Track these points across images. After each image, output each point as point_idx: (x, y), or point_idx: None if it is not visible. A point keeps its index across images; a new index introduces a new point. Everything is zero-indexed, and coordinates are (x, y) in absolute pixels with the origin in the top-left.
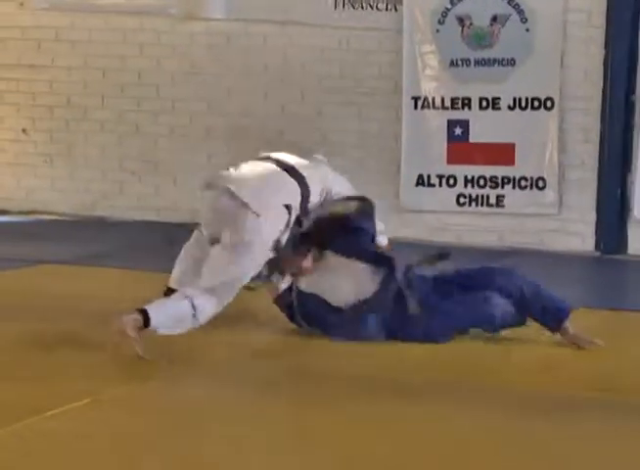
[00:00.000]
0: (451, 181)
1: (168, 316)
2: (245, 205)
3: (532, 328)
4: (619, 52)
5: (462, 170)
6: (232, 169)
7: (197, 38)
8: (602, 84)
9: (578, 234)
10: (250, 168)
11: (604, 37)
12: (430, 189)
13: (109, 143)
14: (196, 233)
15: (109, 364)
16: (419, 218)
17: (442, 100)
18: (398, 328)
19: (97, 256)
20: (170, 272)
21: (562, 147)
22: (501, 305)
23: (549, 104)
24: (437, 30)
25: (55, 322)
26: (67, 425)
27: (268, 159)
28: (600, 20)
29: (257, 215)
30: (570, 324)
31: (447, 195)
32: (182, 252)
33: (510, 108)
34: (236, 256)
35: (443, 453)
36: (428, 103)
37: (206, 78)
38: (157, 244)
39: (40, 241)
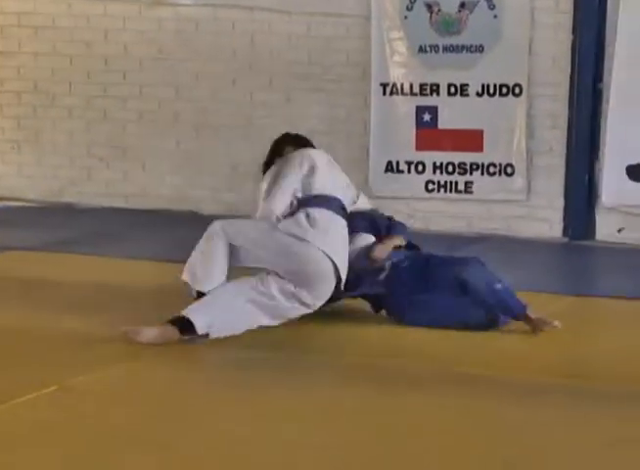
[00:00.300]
0: (420, 168)
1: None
2: None
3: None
4: (587, 38)
5: (431, 157)
6: None
7: (165, 24)
8: (570, 71)
9: (546, 220)
10: None
11: (572, 23)
12: (398, 175)
13: (76, 129)
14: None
15: (75, 351)
16: (388, 205)
17: (411, 86)
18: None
19: (64, 242)
20: (134, 258)
21: (530, 133)
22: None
23: (517, 90)
24: (406, 17)
25: (22, 309)
26: (33, 413)
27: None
28: (567, 6)
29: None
30: (530, 311)
31: (416, 181)
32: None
33: (478, 94)
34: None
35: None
36: (396, 89)
37: (175, 64)
38: (124, 230)
39: (7, 227)
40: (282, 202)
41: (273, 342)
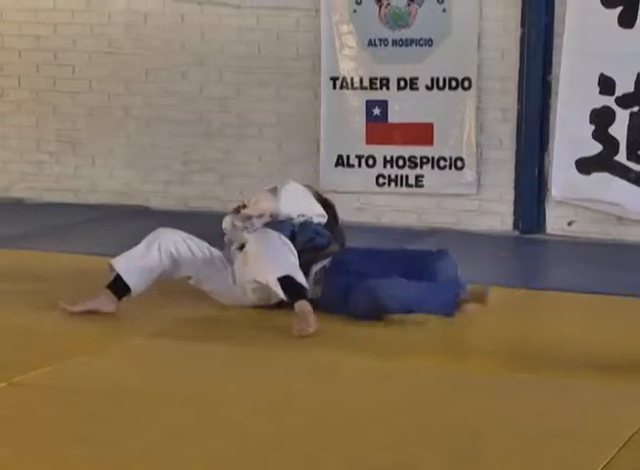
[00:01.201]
0: (370, 161)
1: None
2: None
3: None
4: (535, 31)
5: (381, 151)
6: None
7: (114, 18)
8: (519, 64)
9: (497, 214)
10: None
11: (520, 16)
12: (349, 170)
13: (26, 124)
14: None
15: (25, 348)
16: (339, 199)
17: (361, 80)
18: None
19: (13, 237)
20: (83, 253)
21: (480, 127)
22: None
23: (467, 84)
24: (355, 10)
25: None
26: None
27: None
28: None
29: None
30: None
31: (367, 175)
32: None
33: (428, 88)
34: None
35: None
36: (346, 83)
37: (124, 58)
38: (74, 225)
39: None
40: None
41: (227, 335)
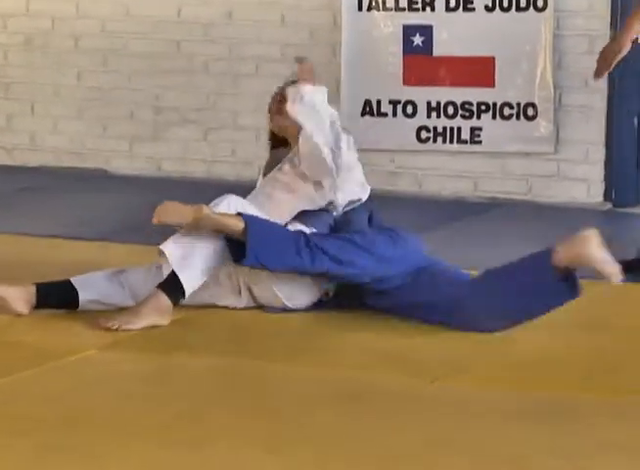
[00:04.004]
0: (409, 109)
1: None
2: None
3: None
4: None
5: (424, 94)
6: None
7: None
8: None
9: (582, 180)
10: None
11: None
12: (380, 120)
13: None
14: None
15: None
16: (366, 160)
17: None
18: None
19: None
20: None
21: (558, 61)
22: None
23: (540, 3)
24: None
25: None
26: None
27: None
28: None
29: None
30: None
31: (404, 128)
32: None
33: (488, 8)
34: None
35: None
36: (376, 2)
37: None
38: (8, 197)
39: None
40: None
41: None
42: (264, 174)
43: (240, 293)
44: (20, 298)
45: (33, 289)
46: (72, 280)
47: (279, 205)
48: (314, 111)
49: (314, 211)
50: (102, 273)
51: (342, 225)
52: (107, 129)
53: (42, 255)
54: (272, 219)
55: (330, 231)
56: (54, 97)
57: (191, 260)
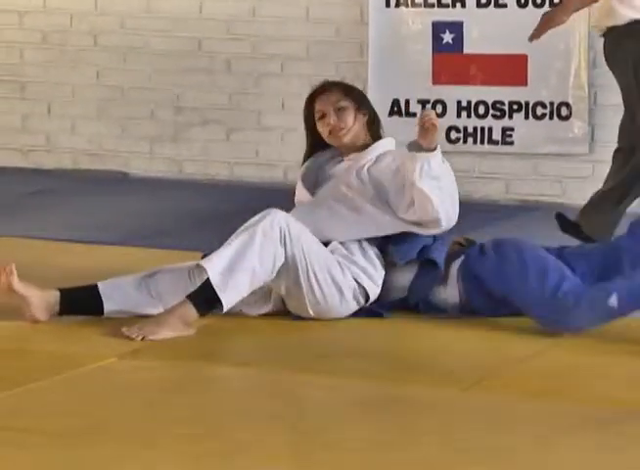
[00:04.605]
0: (439, 108)
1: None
2: None
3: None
4: None
5: (454, 93)
6: None
7: None
8: None
9: None
10: None
11: None
12: (409, 120)
13: None
14: None
15: None
16: None
17: None
18: None
19: None
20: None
21: (594, 59)
22: None
23: None
24: None
25: None
26: None
27: None
28: None
29: None
30: None
31: None
32: None
33: (520, 4)
34: None
35: None
36: None
37: None
38: (23, 199)
39: None
40: None
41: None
42: (304, 181)
43: (270, 298)
44: (40, 304)
45: (57, 295)
46: (100, 287)
47: (344, 222)
48: (439, 182)
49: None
50: (131, 279)
51: None
52: (126, 130)
53: (57, 259)
54: (331, 235)
55: None
56: (71, 97)
57: (233, 279)
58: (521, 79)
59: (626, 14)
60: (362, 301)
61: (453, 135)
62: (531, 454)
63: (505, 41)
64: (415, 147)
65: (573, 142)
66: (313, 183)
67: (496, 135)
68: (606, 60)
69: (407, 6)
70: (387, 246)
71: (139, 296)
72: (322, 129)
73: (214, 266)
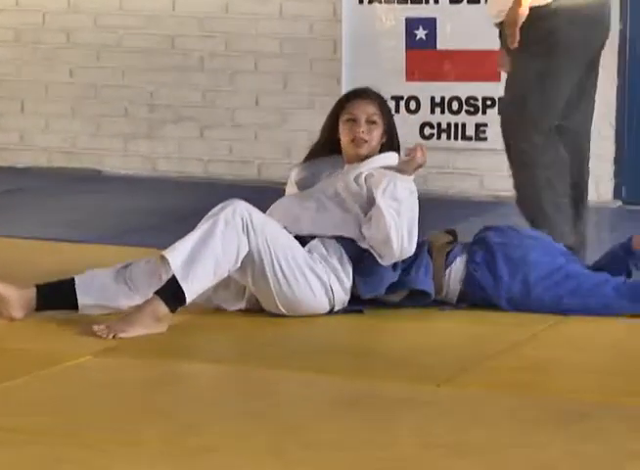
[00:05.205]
0: (412, 105)
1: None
2: None
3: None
4: None
5: (427, 89)
6: None
7: None
8: None
9: (591, 176)
10: None
11: None
12: None
13: None
14: None
15: None
16: None
17: None
18: None
19: None
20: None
21: None
22: None
23: None
24: None
25: None
26: None
27: None
28: None
29: None
30: None
31: (407, 124)
32: None
33: None
34: None
35: None
36: None
37: None
38: None
39: None
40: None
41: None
42: (299, 186)
43: (244, 295)
44: (16, 302)
45: (33, 292)
46: (76, 280)
47: (330, 217)
48: (400, 205)
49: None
50: (109, 272)
51: None
52: (100, 128)
53: (31, 258)
54: (314, 228)
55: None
56: (45, 94)
57: (195, 268)
58: (494, 75)
59: None
60: (333, 302)
61: (427, 131)
62: (507, 449)
63: (478, 37)
64: (395, 169)
65: None
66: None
67: (470, 131)
68: None
69: (380, 2)
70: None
71: (116, 287)
72: (345, 132)
73: (176, 256)
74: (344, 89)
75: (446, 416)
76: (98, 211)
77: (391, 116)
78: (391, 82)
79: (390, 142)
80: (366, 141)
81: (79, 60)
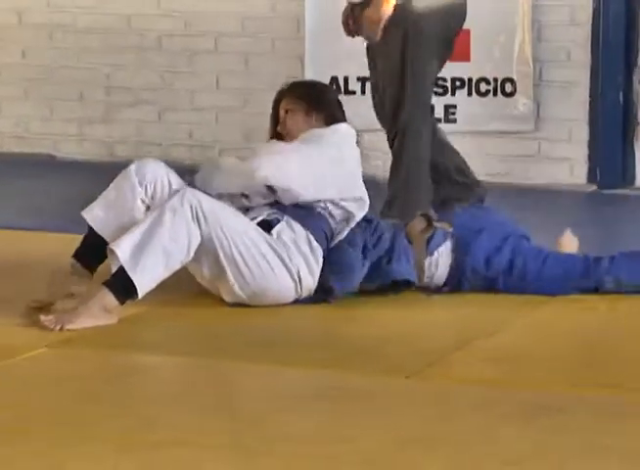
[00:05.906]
0: None
1: None
2: None
3: None
4: None
5: None
6: None
7: None
8: None
9: (564, 159)
10: None
11: None
12: (348, 98)
13: None
14: None
15: None
16: None
17: None
18: None
19: None
20: None
21: (538, 33)
22: None
23: None
24: None
25: None
26: None
27: None
28: None
29: None
30: None
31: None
32: None
33: None
34: None
35: None
36: None
37: None
38: None
39: None
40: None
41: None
42: None
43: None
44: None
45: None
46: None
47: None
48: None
49: (312, 214)
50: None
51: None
52: (54, 111)
53: None
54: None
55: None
56: None
57: (144, 259)
58: (463, 55)
59: None
60: (300, 288)
61: None
62: (476, 442)
63: None
64: None
65: (518, 119)
66: None
67: (439, 113)
68: None
69: None
70: (325, 270)
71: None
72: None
73: (124, 248)
74: (308, 69)
75: (415, 409)
76: (52, 197)
77: (317, 92)
78: (357, 63)
79: (327, 112)
80: (286, 133)
81: (32, 41)
